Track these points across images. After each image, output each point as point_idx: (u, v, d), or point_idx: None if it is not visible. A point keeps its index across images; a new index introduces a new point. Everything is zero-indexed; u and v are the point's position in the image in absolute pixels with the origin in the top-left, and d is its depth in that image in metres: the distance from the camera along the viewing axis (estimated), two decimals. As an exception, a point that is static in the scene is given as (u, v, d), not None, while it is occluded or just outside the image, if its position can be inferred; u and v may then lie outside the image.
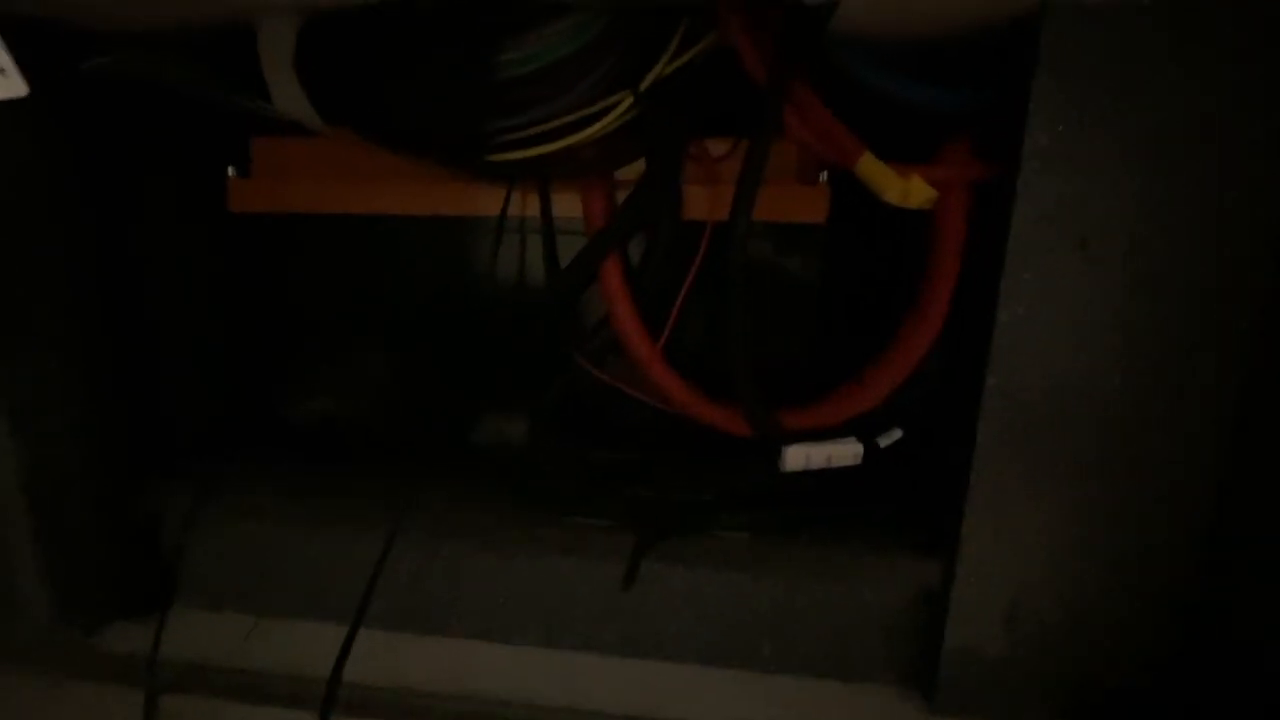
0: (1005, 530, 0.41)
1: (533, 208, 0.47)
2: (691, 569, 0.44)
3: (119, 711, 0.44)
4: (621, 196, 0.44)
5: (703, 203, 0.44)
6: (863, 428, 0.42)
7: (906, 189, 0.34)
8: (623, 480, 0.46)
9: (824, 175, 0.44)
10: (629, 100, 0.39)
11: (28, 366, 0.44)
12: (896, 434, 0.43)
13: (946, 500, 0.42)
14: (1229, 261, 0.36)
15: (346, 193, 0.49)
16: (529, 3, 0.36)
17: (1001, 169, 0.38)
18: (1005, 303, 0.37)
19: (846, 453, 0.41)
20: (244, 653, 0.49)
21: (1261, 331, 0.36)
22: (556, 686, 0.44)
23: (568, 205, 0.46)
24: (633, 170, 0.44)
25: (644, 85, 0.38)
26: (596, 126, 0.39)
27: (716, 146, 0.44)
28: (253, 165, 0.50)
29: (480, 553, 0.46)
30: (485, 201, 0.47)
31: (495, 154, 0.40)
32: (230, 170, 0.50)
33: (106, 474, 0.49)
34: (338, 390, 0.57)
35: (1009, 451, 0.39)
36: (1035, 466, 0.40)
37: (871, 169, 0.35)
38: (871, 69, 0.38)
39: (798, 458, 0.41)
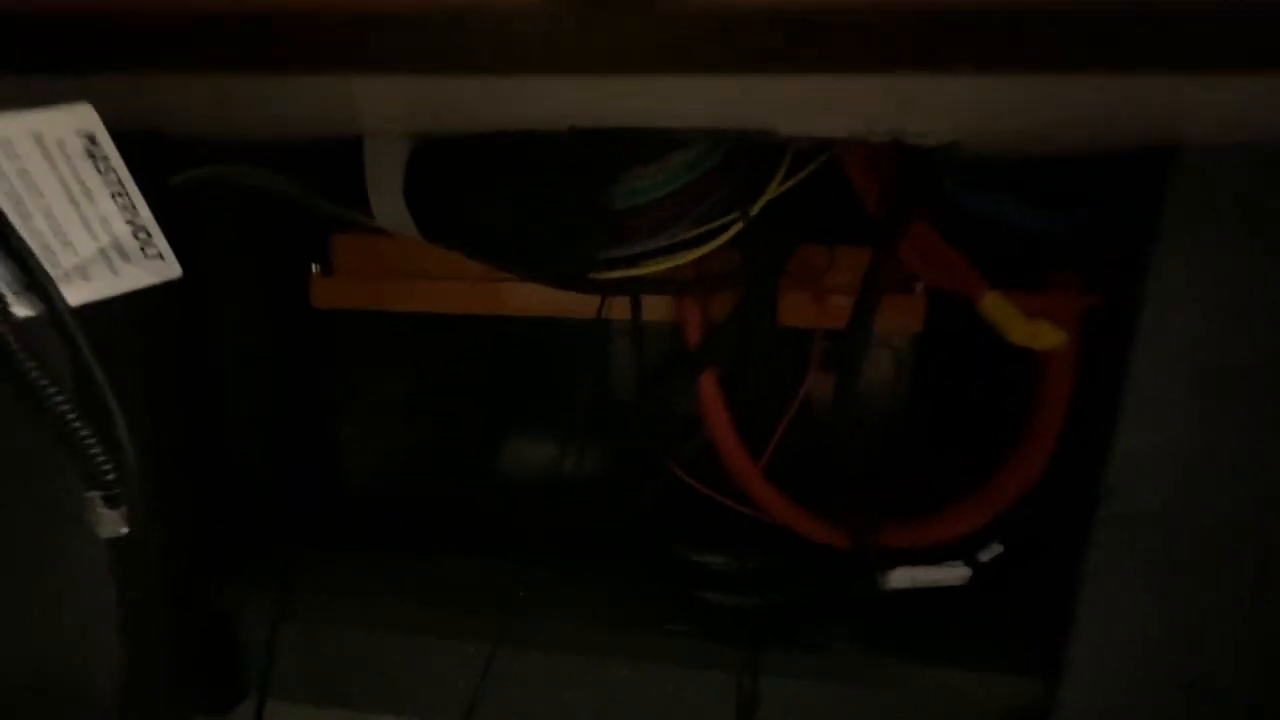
0: (1112, 652, 0.40)
1: (620, 311, 0.46)
2: (796, 679, 0.44)
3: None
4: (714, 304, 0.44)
5: (801, 310, 0.44)
6: (968, 544, 0.42)
7: (1034, 332, 0.34)
8: (719, 588, 0.45)
9: (919, 284, 0.44)
10: (739, 223, 0.38)
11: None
12: (998, 549, 0.42)
13: (1052, 619, 0.41)
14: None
15: (425, 291, 0.49)
16: (651, 136, 0.35)
17: (1112, 296, 0.38)
18: (1122, 435, 0.37)
19: (954, 575, 0.41)
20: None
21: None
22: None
23: (658, 309, 0.46)
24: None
25: (755, 209, 0.38)
26: (706, 247, 0.39)
27: (816, 253, 0.43)
28: (335, 262, 0.49)
29: (577, 659, 0.46)
30: (568, 304, 0.47)
31: (601, 272, 0.40)
32: (315, 267, 0.49)
33: (182, 571, 0.49)
34: (409, 479, 0.56)
35: (1119, 578, 0.39)
36: (1143, 592, 0.39)
37: (996, 308, 0.35)
38: (979, 193, 0.38)
39: (902, 578, 0.41)
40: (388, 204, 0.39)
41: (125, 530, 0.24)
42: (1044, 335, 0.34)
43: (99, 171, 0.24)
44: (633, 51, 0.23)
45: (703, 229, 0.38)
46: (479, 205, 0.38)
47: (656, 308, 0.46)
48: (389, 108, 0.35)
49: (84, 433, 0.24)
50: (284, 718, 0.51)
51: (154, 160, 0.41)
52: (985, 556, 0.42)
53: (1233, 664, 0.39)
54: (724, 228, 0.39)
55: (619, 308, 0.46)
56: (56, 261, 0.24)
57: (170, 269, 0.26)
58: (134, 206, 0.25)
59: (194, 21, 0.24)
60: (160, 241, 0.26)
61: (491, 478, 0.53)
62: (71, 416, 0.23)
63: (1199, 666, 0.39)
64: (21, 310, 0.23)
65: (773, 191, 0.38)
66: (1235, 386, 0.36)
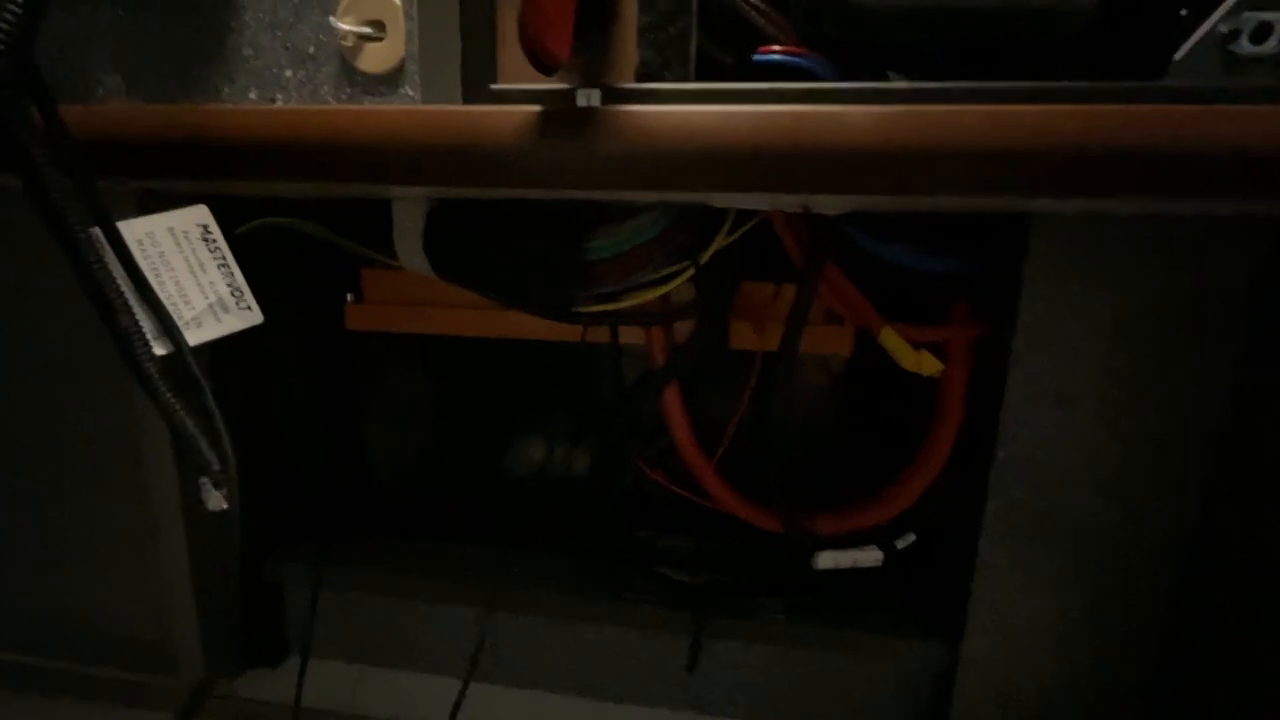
0: (1002, 624, 0.49)
1: (599, 336, 0.56)
2: (735, 642, 0.53)
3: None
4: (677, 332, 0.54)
5: (748, 336, 0.53)
6: (883, 532, 0.51)
7: (920, 361, 0.43)
8: (676, 565, 0.55)
9: (849, 315, 0.53)
10: (691, 270, 0.48)
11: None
12: (911, 538, 0.51)
13: (953, 596, 0.50)
14: (1181, 417, 0.44)
15: (439, 317, 0.58)
16: (615, 205, 0.45)
17: (997, 327, 0.46)
18: (1001, 445, 0.45)
19: (868, 558, 0.50)
20: (353, 697, 0.59)
21: (1213, 472, 0.44)
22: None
23: (632, 334, 0.55)
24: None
25: (704, 258, 0.47)
26: (664, 288, 0.48)
27: (761, 290, 0.52)
28: (365, 293, 0.59)
29: (561, 624, 0.55)
30: (556, 330, 0.56)
31: (580, 307, 0.49)
32: (349, 296, 0.59)
33: (240, 548, 0.59)
34: (425, 473, 0.66)
35: (1005, 564, 0.48)
36: (1025, 575, 0.48)
37: (891, 341, 0.44)
38: (884, 246, 0.47)
39: (827, 560, 0.50)
40: (409, 249, 0.49)
41: (226, 506, 0.34)
42: (927, 364, 0.43)
43: (209, 250, 0.34)
44: (591, 175, 0.33)
45: (662, 273, 0.47)
46: (482, 252, 0.48)
47: (631, 333, 0.55)
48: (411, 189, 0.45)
49: (199, 436, 0.33)
50: (322, 672, 0.61)
51: (223, 213, 0.52)
52: (901, 544, 0.51)
53: (1096, 620, 0.47)
54: (680, 272, 0.48)
55: (601, 333, 0.55)
56: (180, 314, 0.34)
57: (256, 317, 0.36)
58: (233, 273, 0.35)
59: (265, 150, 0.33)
60: (249, 297, 0.36)
61: (491, 473, 0.63)
62: (191, 425, 0.33)
63: (1071, 627, 0.48)
64: (160, 349, 0.33)
65: (718, 243, 0.47)
66: (1087, 404, 0.44)
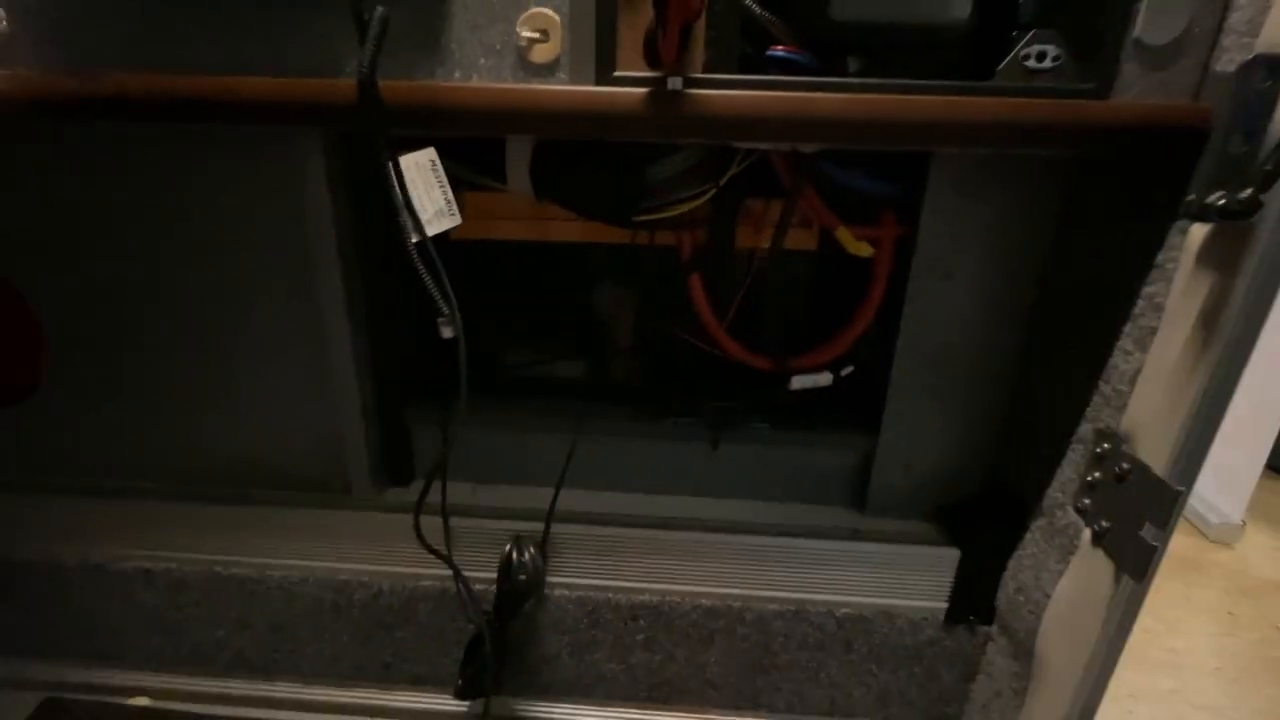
0: (904, 420, 0.78)
1: (641, 240, 0.78)
2: (736, 446, 0.81)
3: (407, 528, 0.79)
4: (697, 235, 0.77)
5: (749, 237, 0.77)
6: (834, 364, 0.78)
7: (859, 247, 0.68)
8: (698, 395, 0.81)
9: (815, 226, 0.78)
10: (714, 189, 0.70)
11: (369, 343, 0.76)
12: (850, 368, 0.78)
13: (874, 406, 0.78)
14: (1016, 282, 0.71)
15: (522, 227, 0.80)
16: (665, 145, 0.67)
17: (911, 228, 0.72)
18: (909, 303, 0.72)
19: (822, 379, 0.77)
20: (471, 499, 0.84)
21: (1033, 316, 0.72)
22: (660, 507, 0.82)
23: (664, 238, 0.78)
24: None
25: (723, 180, 0.70)
26: (695, 203, 0.71)
27: (756, 204, 0.76)
28: (464, 210, 0.79)
29: (624, 442, 0.83)
30: (608, 234, 0.78)
31: (637, 216, 0.72)
32: (452, 212, 0.79)
33: (392, 398, 0.82)
34: (508, 348, 0.90)
35: (907, 381, 0.76)
36: (920, 389, 0.76)
37: (843, 236, 0.69)
38: (840, 172, 0.71)
39: (799, 382, 0.77)
40: (518, 176, 0.70)
41: (453, 334, 0.57)
42: (863, 249, 0.68)
43: (434, 175, 0.55)
44: (673, 130, 0.55)
45: (696, 190, 0.70)
46: (570, 178, 0.69)
47: (663, 237, 0.78)
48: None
49: (435, 290, 0.55)
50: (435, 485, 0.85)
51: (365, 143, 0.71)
52: (844, 371, 0.79)
53: (962, 413, 0.77)
54: (705, 191, 0.71)
55: (641, 238, 0.78)
56: (420, 217, 0.55)
57: (458, 220, 0.57)
58: (446, 191, 0.56)
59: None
60: (455, 207, 0.56)
61: (561, 345, 0.86)
62: (430, 283, 0.55)
63: (948, 419, 0.77)
64: (414, 238, 0.54)
65: (732, 171, 0.70)
66: (960, 277, 0.71)
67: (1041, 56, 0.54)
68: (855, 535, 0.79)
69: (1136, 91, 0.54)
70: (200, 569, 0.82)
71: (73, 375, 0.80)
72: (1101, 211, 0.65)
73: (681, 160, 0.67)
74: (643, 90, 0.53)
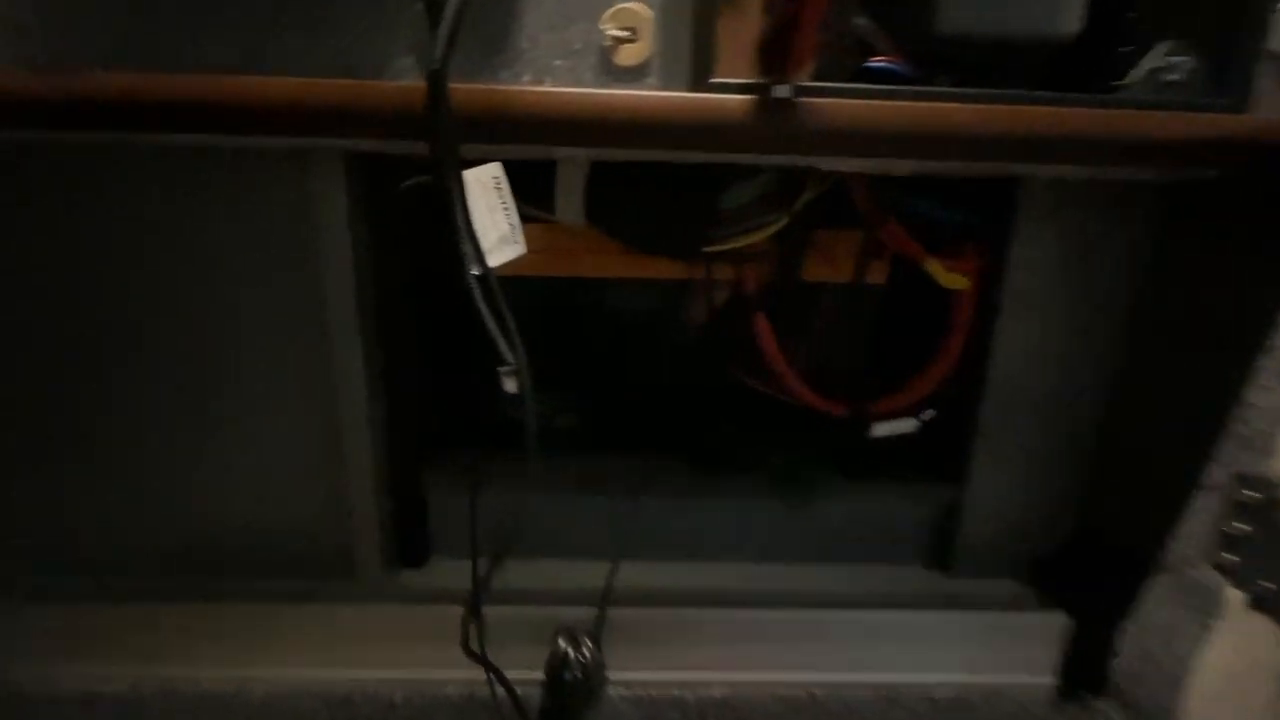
0: (997, 469, 0.70)
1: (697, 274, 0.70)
2: (802, 499, 0.72)
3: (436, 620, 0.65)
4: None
5: (818, 269, 0.70)
6: (915, 408, 0.70)
7: (952, 279, 0.62)
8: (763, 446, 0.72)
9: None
10: (787, 217, 0.63)
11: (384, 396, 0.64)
12: (931, 413, 0.71)
13: (959, 451, 0.71)
14: (1106, 317, 0.66)
15: (568, 261, 0.70)
16: (737, 167, 0.59)
17: (994, 260, 0.66)
18: (997, 338, 0.66)
19: (906, 425, 0.69)
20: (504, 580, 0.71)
21: (1123, 354, 0.67)
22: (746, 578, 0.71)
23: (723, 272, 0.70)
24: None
25: (797, 207, 0.63)
26: (767, 231, 0.64)
27: (824, 235, 0.69)
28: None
29: (684, 502, 0.71)
30: (663, 269, 0.70)
31: (705, 248, 0.64)
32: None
33: (408, 458, 0.69)
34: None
35: (999, 423, 0.69)
36: (1010, 433, 0.69)
37: (932, 266, 0.62)
38: (922, 201, 0.65)
39: (882, 429, 0.69)
40: (569, 203, 0.61)
41: (518, 390, 0.46)
42: (957, 281, 0.62)
43: (499, 196, 0.46)
44: (775, 144, 0.47)
45: (768, 219, 0.63)
46: (629, 205, 0.61)
47: (721, 271, 0.70)
48: (574, 151, 0.57)
49: (499, 335, 0.45)
50: (456, 565, 0.72)
51: (387, 169, 0.61)
52: (925, 417, 0.71)
53: (1052, 459, 0.70)
54: (776, 220, 0.63)
55: (697, 271, 0.70)
56: (482, 245, 0.45)
57: (522, 249, 0.47)
58: (511, 214, 0.46)
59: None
60: (519, 233, 0.47)
61: (602, 393, 0.76)
62: (494, 326, 0.45)
63: (1038, 465, 0.70)
64: (475, 270, 0.44)
65: (806, 197, 0.63)
66: (1051, 309, 0.65)
67: (1171, 68, 0.49)
68: (948, 602, 0.70)
69: (1273, 103, 0.50)
70: (160, 687, 0.66)
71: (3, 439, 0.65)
72: (1223, 235, 0.60)
73: (760, 183, 0.60)
74: (745, 98, 0.46)
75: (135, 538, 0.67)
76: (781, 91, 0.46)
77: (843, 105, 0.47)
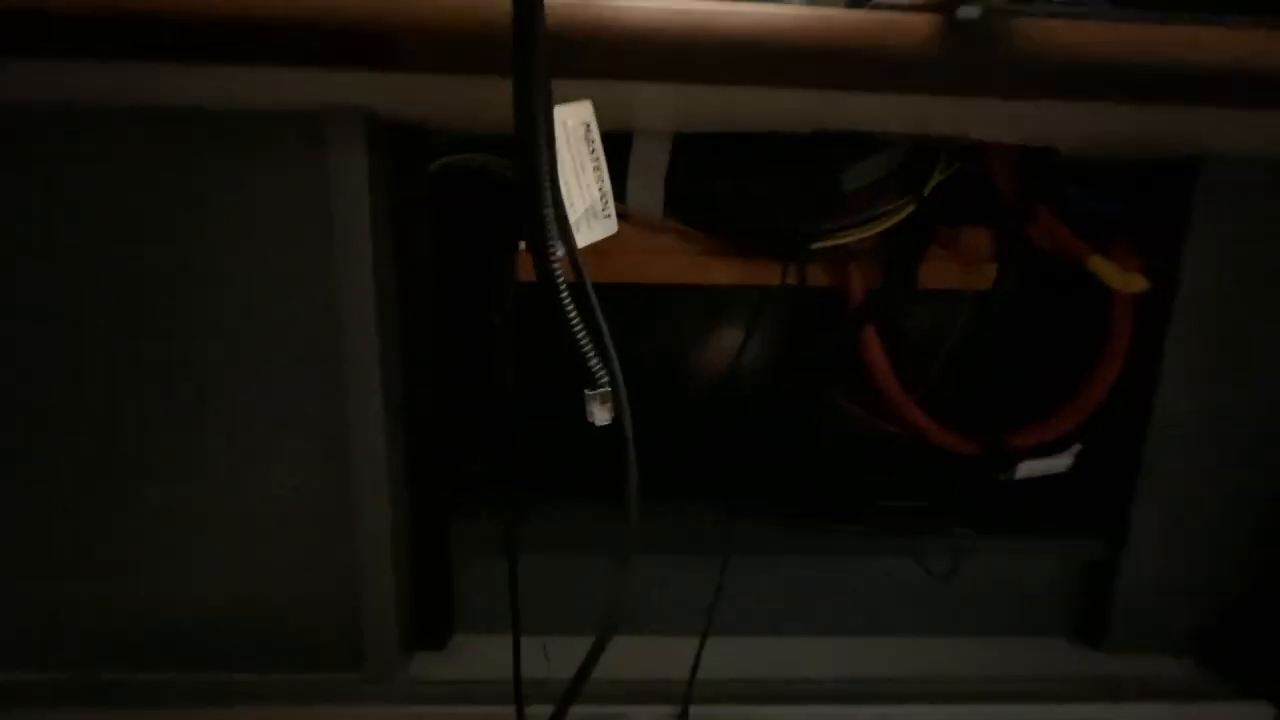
0: (1164, 520, 0.56)
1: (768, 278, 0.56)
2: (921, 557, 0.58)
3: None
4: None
5: (943, 274, 0.56)
6: (1059, 443, 0.57)
7: (1129, 280, 0.49)
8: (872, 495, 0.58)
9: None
10: (914, 202, 0.51)
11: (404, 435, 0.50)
12: (1077, 448, 0.57)
13: (1114, 495, 0.57)
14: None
15: (621, 264, 0.57)
16: (865, 138, 0.47)
17: (1157, 263, 0.53)
18: (1169, 356, 0.53)
19: (1059, 465, 0.55)
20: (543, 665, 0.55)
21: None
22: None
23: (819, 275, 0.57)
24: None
25: (926, 190, 0.51)
26: (891, 220, 0.51)
27: (948, 233, 0.56)
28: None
29: (783, 563, 0.57)
30: (752, 273, 0.57)
31: (819, 241, 0.50)
32: (521, 244, 0.56)
33: (431, 516, 0.55)
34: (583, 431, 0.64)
35: (1168, 460, 0.55)
36: (1180, 478, 0.56)
37: (1100, 265, 0.50)
38: (1076, 188, 0.53)
39: (1027, 469, 0.55)
40: (644, 187, 0.48)
41: (610, 418, 0.32)
42: (1135, 281, 0.49)
43: (590, 151, 0.32)
44: (958, 81, 0.35)
45: (892, 205, 0.50)
46: (724, 188, 0.48)
47: (818, 275, 0.57)
48: (662, 112, 0.44)
49: (593, 343, 0.31)
50: (499, 646, 0.57)
51: (412, 148, 0.48)
52: (1073, 451, 0.57)
53: (1239, 513, 0.56)
54: (903, 206, 0.51)
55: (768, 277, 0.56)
56: (568, 217, 0.32)
57: (612, 227, 0.34)
58: (604, 177, 0.33)
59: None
60: (611, 205, 0.34)
61: (674, 424, 0.62)
62: (580, 334, 0.31)
63: (1218, 519, 0.56)
64: (558, 250, 0.31)
65: (935, 179, 0.51)
66: (1242, 345, 0.52)
67: None
68: (1106, 688, 0.55)
69: None
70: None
71: None
72: None
73: (888, 157, 0.47)
74: (920, 17, 0.34)
75: (89, 620, 0.51)
76: (968, 12, 0.34)
77: (1057, 29, 0.35)
